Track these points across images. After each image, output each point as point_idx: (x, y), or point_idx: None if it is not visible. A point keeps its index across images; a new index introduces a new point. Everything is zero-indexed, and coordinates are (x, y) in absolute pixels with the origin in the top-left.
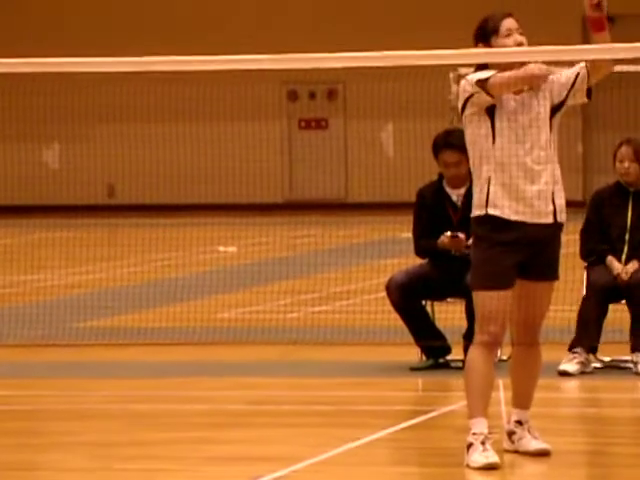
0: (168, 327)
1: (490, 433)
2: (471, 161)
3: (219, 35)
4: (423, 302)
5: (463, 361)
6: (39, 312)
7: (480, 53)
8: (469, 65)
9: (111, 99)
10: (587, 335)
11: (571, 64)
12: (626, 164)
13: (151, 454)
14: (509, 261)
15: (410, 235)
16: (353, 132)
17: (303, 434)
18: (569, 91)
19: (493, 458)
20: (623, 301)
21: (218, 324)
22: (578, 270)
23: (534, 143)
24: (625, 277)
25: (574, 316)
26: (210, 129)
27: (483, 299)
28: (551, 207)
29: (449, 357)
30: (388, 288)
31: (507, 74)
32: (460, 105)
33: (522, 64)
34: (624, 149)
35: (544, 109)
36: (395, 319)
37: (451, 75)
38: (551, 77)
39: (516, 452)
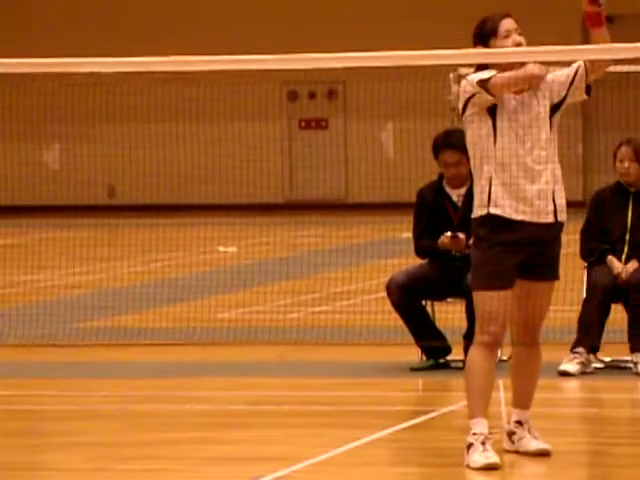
0: (168, 327)
1: (490, 433)
2: (472, 161)
3: (218, 35)
4: (423, 302)
5: (463, 361)
6: (39, 312)
7: (480, 53)
8: (469, 65)
9: (111, 99)
10: (588, 335)
11: (571, 64)
12: (626, 164)
13: (151, 454)
14: (509, 261)
15: (410, 235)
16: (353, 132)
17: (303, 434)
18: (568, 89)
19: (493, 458)
20: (622, 301)
21: (218, 324)
22: (578, 270)
23: (534, 143)
24: (625, 276)
25: (574, 316)
26: (210, 129)
27: (483, 299)
28: (552, 206)
29: (449, 357)
30: (388, 288)
31: (508, 74)
32: (461, 106)
33: (522, 64)
34: (624, 149)
35: (544, 109)
36: (395, 319)
37: (451, 75)
38: (550, 77)
39: (516, 452)
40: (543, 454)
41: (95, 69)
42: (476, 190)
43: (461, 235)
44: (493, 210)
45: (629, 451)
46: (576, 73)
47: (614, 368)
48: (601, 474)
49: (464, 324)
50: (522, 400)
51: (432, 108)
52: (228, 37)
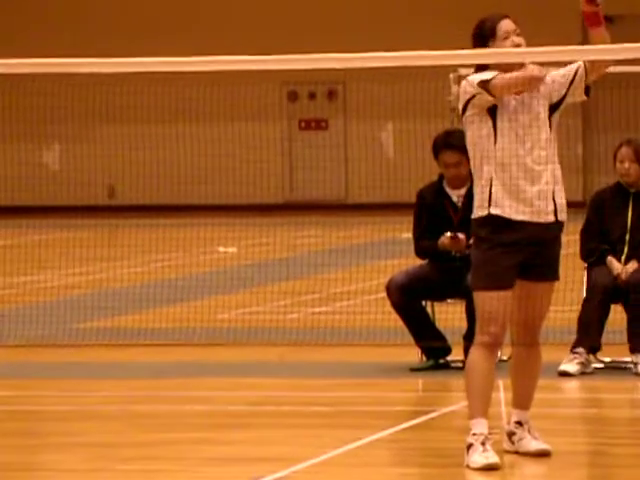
0: (168, 328)
1: (490, 434)
2: (472, 162)
3: (218, 35)
4: (423, 303)
5: (463, 362)
6: (39, 313)
7: (480, 54)
8: (469, 66)
9: (111, 99)
10: (588, 336)
11: (570, 64)
12: (626, 165)
13: (151, 455)
14: (510, 262)
15: (410, 236)
16: (353, 132)
17: (303, 435)
18: (568, 89)
19: (493, 459)
20: (622, 302)
21: (218, 325)
22: (578, 271)
23: (534, 143)
24: (625, 277)
25: (574, 317)
26: (210, 130)
27: (484, 299)
28: (552, 206)
29: (449, 358)
30: (388, 289)
31: (509, 75)
32: (461, 106)
33: (521, 65)
34: (624, 150)
35: (544, 109)
36: (395, 320)
37: (451, 76)
38: (549, 77)
39: (516, 453)
40: (543, 454)
41: (95, 69)
42: (476, 191)
43: (461, 235)
44: (494, 211)
45: (629, 451)
46: (576, 73)
47: (614, 368)
48: (601, 474)
49: (464, 324)
50: (522, 400)
51: (432, 108)
52: (228, 37)
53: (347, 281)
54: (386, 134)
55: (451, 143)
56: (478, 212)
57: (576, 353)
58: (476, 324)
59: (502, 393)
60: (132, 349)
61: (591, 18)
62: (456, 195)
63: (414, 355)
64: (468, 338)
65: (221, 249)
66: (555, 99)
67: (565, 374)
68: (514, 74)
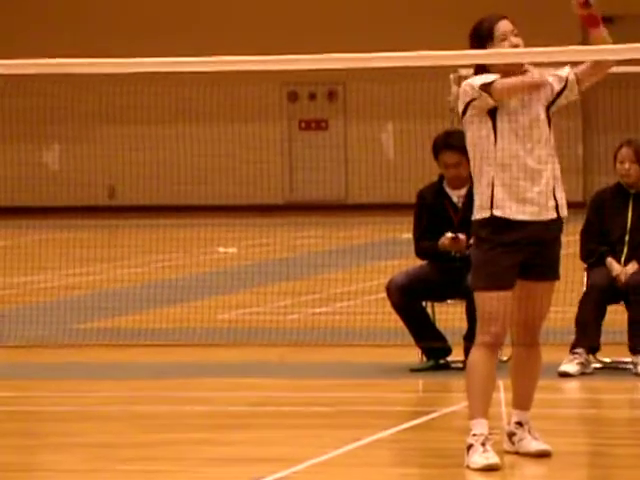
0: (168, 328)
1: (490, 434)
2: (472, 162)
3: (218, 35)
4: (423, 303)
5: (464, 362)
6: (39, 313)
7: (480, 54)
8: (469, 66)
9: (111, 100)
10: (586, 336)
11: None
12: (627, 165)
13: (151, 455)
14: (510, 261)
15: (410, 236)
16: (353, 133)
17: (304, 435)
18: (558, 95)
19: (493, 459)
20: (622, 302)
21: (218, 325)
22: (578, 271)
23: (534, 143)
24: (624, 279)
25: (574, 317)
26: (210, 130)
27: (484, 300)
28: (552, 202)
29: (449, 358)
30: (388, 289)
31: (510, 80)
32: (461, 108)
33: (520, 66)
34: (624, 150)
35: (543, 109)
36: (395, 320)
37: (451, 76)
38: (550, 78)
39: (516, 453)
40: (543, 455)
41: (95, 69)
42: (477, 192)
43: (462, 236)
44: (497, 212)
45: (629, 452)
46: (565, 87)
47: (614, 369)
48: (601, 475)
49: (464, 325)
50: (522, 401)
51: (432, 109)
52: (228, 37)
53: (347, 281)
54: (386, 134)
55: (451, 144)
56: (480, 214)
57: (576, 353)
58: (477, 324)
59: (502, 393)
60: (132, 350)
61: (588, 20)
62: (456, 195)
63: (414, 356)
64: (468, 339)
65: (221, 249)
66: (550, 98)
67: (565, 375)
68: (516, 79)
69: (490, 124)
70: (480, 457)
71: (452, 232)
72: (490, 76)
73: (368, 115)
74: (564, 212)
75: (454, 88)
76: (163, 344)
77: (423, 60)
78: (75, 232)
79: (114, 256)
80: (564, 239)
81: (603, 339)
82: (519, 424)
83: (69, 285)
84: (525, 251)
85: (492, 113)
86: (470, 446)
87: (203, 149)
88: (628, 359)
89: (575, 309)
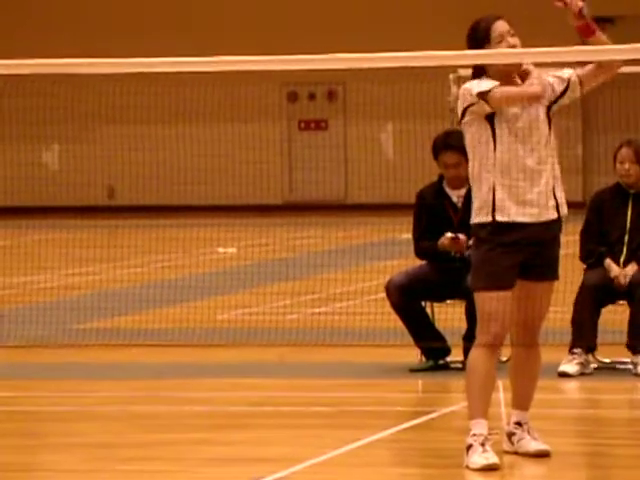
0: (168, 328)
1: (490, 434)
2: (470, 163)
3: (218, 35)
4: (423, 303)
5: (463, 362)
6: (39, 313)
7: (480, 55)
8: (469, 66)
9: (111, 100)
10: (583, 336)
11: (569, 65)
12: (626, 165)
13: (151, 455)
14: (510, 262)
15: (410, 236)
16: (353, 133)
17: (303, 435)
18: (561, 95)
19: (493, 459)
20: (618, 302)
21: (218, 325)
22: (578, 271)
23: (534, 145)
24: (623, 280)
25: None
26: (210, 130)
27: (484, 300)
28: (553, 201)
29: (449, 358)
30: (388, 289)
31: (508, 90)
32: (459, 112)
33: (519, 66)
34: (624, 150)
35: (543, 109)
36: (395, 320)
37: (451, 76)
38: (551, 80)
39: (516, 453)
40: (542, 455)
41: (95, 69)
42: (476, 196)
43: (462, 236)
44: (500, 217)
45: (628, 452)
46: (567, 88)
47: (613, 369)
48: (600, 475)
49: (464, 325)
50: (522, 401)
51: (431, 109)
52: (228, 37)
53: (347, 282)
54: (386, 135)
55: (451, 144)
56: (481, 218)
57: (575, 354)
58: (477, 324)
59: (502, 394)
60: (131, 350)
61: (583, 31)
62: (456, 195)
63: (414, 356)
64: (468, 339)
65: (220, 250)
66: (552, 98)
67: (564, 375)
68: (515, 89)
69: (489, 129)
70: (479, 457)
71: (452, 232)
72: (487, 83)
73: (368, 115)
74: (564, 211)
75: (454, 88)
76: (163, 344)
77: (423, 60)
78: (74, 232)
79: (113, 256)
80: (563, 239)
81: (602, 339)
82: (518, 424)
83: (69, 285)
84: (525, 251)
85: (490, 118)
86: (469, 446)
87: (203, 149)
88: (627, 359)
89: None
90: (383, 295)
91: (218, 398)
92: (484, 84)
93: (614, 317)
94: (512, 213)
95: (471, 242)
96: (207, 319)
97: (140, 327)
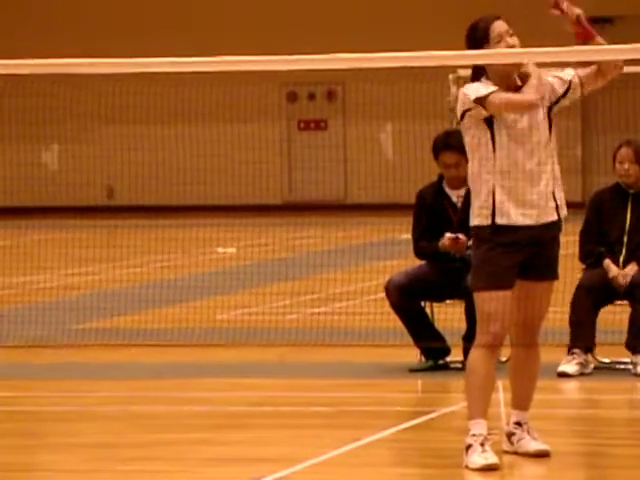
0: (167, 328)
1: (489, 434)
2: (470, 163)
3: (218, 36)
4: (422, 303)
5: (462, 362)
6: (38, 313)
7: (480, 55)
8: (469, 66)
9: (110, 100)
10: (581, 336)
11: (569, 65)
12: (626, 165)
13: (150, 455)
14: (510, 261)
15: (409, 236)
16: (352, 133)
17: (303, 435)
18: (563, 95)
19: (492, 459)
20: (616, 302)
21: (217, 325)
22: (577, 272)
23: (534, 146)
24: (622, 281)
25: None
26: (209, 130)
27: (484, 300)
28: (552, 203)
29: (448, 358)
30: (387, 289)
31: (506, 97)
32: (458, 114)
33: (519, 66)
34: (624, 150)
35: (543, 111)
36: (394, 320)
37: (451, 76)
38: (551, 80)
39: (515, 453)
40: (542, 455)
41: (95, 69)
42: (475, 198)
43: (462, 237)
44: (500, 220)
45: (628, 452)
46: (568, 89)
47: (613, 369)
48: (600, 475)
49: (463, 325)
50: (521, 401)
51: (431, 109)
52: (228, 37)
53: (346, 281)
54: (385, 135)
55: (450, 144)
56: (481, 220)
57: (574, 354)
58: (477, 325)
59: (501, 394)
60: (131, 350)
61: (582, 36)
62: (456, 195)
63: (413, 356)
64: (467, 339)
65: (220, 250)
66: (553, 99)
67: (564, 375)
68: (514, 96)
69: (488, 133)
70: (479, 457)
71: (451, 232)
72: (483, 88)
73: (367, 115)
74: (564, 212)
75: (453, 88)
76: (162, 344)
77: (423, 60)
78: (74, 232)
79: (113, 256)
80: (563, 239)
81: (601, 339)
82: (518, 424)
83: (68, 285)
84: (524, 251)
85: (489, 121)
86: (469, 446)
87: (202, 149)
88: (627, 359)
89: None
90: (383, 295)
91: (218, 398)
92: (482, 89)
93: (613, 317)
94: (512, 215)
95: (471, 242)
96: (206, 319)
97: (139, 327)
